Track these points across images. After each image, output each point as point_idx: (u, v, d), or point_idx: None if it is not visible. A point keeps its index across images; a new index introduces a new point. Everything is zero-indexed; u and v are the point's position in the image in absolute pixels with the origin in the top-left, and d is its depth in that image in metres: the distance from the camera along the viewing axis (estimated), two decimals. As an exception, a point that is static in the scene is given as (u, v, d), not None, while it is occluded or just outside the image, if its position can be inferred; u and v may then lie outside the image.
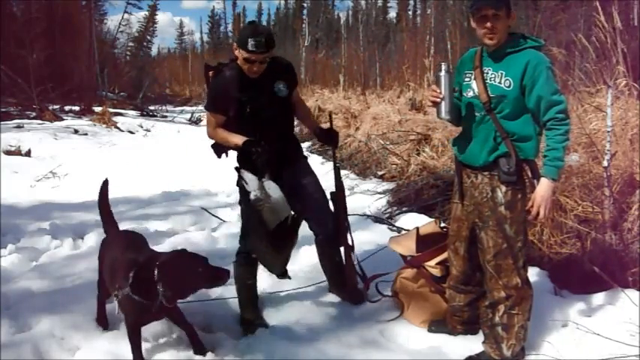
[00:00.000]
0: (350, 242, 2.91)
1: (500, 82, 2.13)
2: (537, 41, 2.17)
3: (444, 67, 2.18)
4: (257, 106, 2.53)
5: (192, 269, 2.21)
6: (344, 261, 2.91)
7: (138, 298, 2.18)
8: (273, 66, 2.57)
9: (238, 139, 2.49)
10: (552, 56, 4.12)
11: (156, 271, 2.16)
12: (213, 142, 2.57)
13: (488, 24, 2.08)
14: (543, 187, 2.09)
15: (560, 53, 4.01)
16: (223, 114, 2.58)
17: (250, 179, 2.39)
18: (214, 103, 2.60)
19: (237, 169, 2.51)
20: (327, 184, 3.32)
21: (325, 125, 2.96)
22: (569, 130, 2.10)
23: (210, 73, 2.64)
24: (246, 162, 2.51)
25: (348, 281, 2.91)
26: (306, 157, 2.82)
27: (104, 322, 2.63)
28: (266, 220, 2.36)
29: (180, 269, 2.20)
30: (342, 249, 2.91)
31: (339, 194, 2.86)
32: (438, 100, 2.19)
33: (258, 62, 2.45)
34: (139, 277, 2.18)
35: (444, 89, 2.18)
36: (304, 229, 2.91)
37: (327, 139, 2.82)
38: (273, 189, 2.37)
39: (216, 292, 3.08)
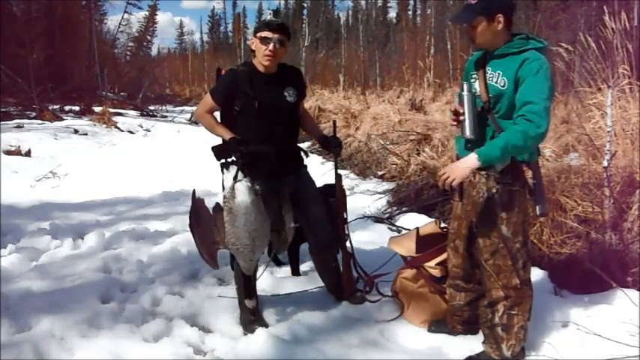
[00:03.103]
0: (349, 249, 2.91)
1: (496, 82, 2.14)
2: (541, 42, 2.17)
3: (465, 86, 2.19)
4: (265, 104, 2.54)
5: None
6: (341, 267, 2.91)
7: None
8: (284, 71, 2.63)
9: (226, 133, 2.50)
10: (554, 54, 4.11)
11: None
12: (213, 142, 2.57)
13: (468, 34, 2.19)
14: (464, 160, 2.08)
15: (566, 50, 4.01)
16: (221, 104, 2.59)
17: (227, 178, 2.40)
18: (219, 91, 2.61)
19: (222, 164, 2.50)
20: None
21: (324, 127, 2.97)
22: (529, 132, 1.97)
23: (222, 71, 2.69)
24: (225, 156, 2.50)
25: (347, 288, 2.91)
26: (306, 166, 2.83)
27: None
28: (225, 220, 2.38)
29: None
30: (339, 256, 2.92)
31: (339, 202, 2.87)
32: (460, 119, 2.18)
33: (274, 42, 2.48)
34: None
35: (467, 108, 2.16)
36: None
37: (331, 147, 2.81)
38: (241, 192, 2.35)
39: (216, 291, 3.09)
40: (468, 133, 2.17)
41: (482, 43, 2.17)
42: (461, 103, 2.19)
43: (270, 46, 2.49)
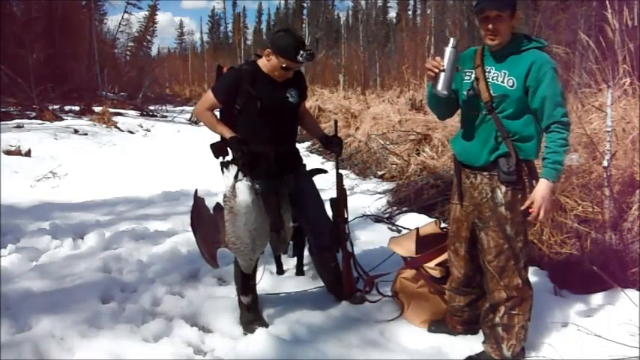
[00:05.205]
0: (350, 249, 2.91)
1: (503, 82, 2.12)
2: (540, 42, 2.17)
3: (452, 41, 2.10)
4: (267, 104, 2.54)
5: None
6: (341, 267, 2.91)
7: None
8: None
9: (226, 132, 2.49)
10: (554, 55, 4.12)
11: None
12: (212, 141, 2.57)
13: (490, 25, 2.07)
14: (543, 189, 2.08)
15: (564, 51, 4.01)
16: (223, 102, 2.57)
17: (227, 177, 2.40)
18: (222, 88, 2.59)
19: (221, 164, 2.50)
20: (327, 185, 3.33)
21: (324, 127, 2.98)
22: (569, 136, 2.11)
23: (224, 69, 2.68)
24: (223, 154, 2.52)
25: (346, 288, 2.91)
26: (305, 166, 2.83)
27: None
28: (226, 219, 2.38)
29: None
30: (339, 255, 2.92)
31: (340, 201, 2.87)
32: (437, 70, 2.09)
33: (294, 70, 2.55)
34: None
35: (447, 62, 2.09)
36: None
37: (332, 146, 2.82)
38: (242, 192, 2.35)
39: (216, 291, 3.09)
40: (440, 87, 2.11)
41: (503, 39, 2.10)
42: (442, 56, 2.11)
43: (290, 73, 2.55)
